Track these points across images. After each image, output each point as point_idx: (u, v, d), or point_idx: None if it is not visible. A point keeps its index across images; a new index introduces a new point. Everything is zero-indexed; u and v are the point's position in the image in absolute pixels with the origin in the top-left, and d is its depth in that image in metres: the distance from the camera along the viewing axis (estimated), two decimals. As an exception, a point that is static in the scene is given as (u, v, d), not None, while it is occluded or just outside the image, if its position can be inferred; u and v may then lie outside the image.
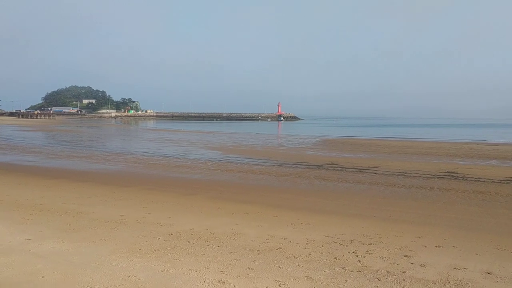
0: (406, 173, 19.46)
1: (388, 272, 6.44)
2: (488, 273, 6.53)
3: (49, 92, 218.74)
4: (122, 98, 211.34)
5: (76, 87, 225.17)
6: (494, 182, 16.97)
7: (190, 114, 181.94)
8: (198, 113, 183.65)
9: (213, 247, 7.65)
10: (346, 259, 7.06)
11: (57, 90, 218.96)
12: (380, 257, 7.21)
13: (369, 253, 7.44)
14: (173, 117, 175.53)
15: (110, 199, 12.63)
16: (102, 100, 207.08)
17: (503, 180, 17.42)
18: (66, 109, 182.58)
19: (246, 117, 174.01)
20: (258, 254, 7.26)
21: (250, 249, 7.52)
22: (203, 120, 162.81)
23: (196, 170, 20.64)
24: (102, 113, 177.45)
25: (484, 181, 17.11)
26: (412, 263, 6.93)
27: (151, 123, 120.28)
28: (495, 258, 7.37)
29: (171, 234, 8.53)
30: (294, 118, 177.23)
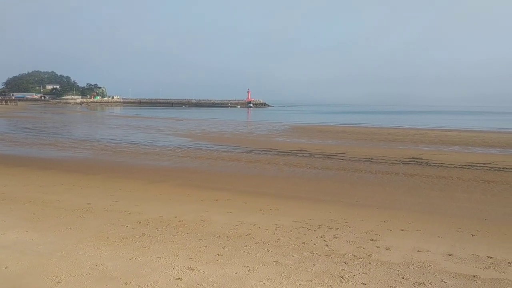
0: (372, 159, 19.88)
1: (354, 255, 6.60)
2: (449, 255, 6.80)
3: (10, 77, 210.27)
4: (87, 83, 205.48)
5: (39, 72, 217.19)
6: (456, 167, 17.56)
7: (158, 100, 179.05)
8: (166, 99, 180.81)
9: (182, 234, 7.63)
10: (314, 244, 7.19)
11: (18, 75, 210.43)
12: (347, 241, 7.38)
13: (337, 238, 7.60)
14: (141, 103, 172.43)
15: (76, 187, 12.36)
16: (66, 85, 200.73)
17: (464, 165, 18.05)
18: (28, 95, 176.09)
19: (216, 103, 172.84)
20: (228, 240, 7.30)
21: (219, 236, 7.55)
22: (172, 106, 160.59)
23: (165, 157, 20.43)
24: (67, 99, 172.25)
25: (446, 167, 17.68)
26: (377, 247, 7.12)
27: (118, 110, 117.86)
28: (456, 240, 7.67)
29: (140, 222, 8.45)
30: (263, 105, 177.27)
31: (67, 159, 19.61)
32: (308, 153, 22.04)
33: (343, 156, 20.81)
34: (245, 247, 6.89)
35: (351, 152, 22.65)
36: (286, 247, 6.98)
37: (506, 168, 17.29)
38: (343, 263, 6.23)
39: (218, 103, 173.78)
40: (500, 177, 15.27)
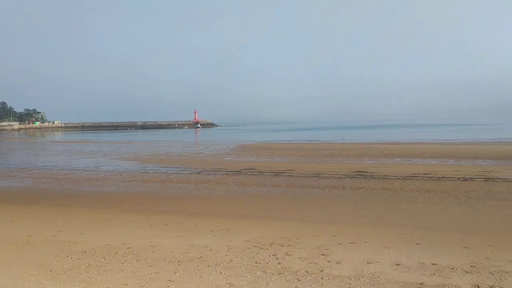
0: (320, 174, 20.29)
1: (307, 272, 6.65)
2: (397, 265, 7.01)
3: None
4: (25, 109, 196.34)
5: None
6: (399, 178, 18.29)
7: (101, 124, 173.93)
8: (110, 122, 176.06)
9: (131, 261, 7.37)
10: (267, 262, 7.18)
11: None
12: (299, 258, 7.42)
13: (289, 255, 7.63)
14: (84, 127, 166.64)
15: (15, 219, 11.65)
16: (2, 111, 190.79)
17: (407, 176, 18.84)
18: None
19: (162, 125, 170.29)
20: (179, 265, 7.12)
21: (170, 261, 7.35)
22: (116, 129, 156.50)
23: (111, 182, 19.78)
24: (3, 125, 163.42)
25: (390, 178, 18.37)
26: (329, 261, 7.22)
27: (59, 135, 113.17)
28: (403, 250, 7.93)
29: (85, 251, 8.07)
30: (211, 124, 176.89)
31: (5, 189, 18.50)
32: (257, 171, 22.15)
33: (291, 173, 21.09)
34: (197, 271, 6.75)
35: (299, 168, 23.01)
36: (239, 268, 6.91)
37: (445, 177, 18.21)
38: (296, 280, 6.25)
39: (165, 125, 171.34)
40: (439, 186, 16.05)
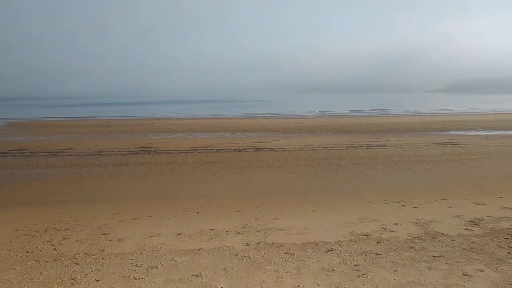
0: (102, 152, 19.43)
1: (86, 254, 6.34)
2: (178, 234, 7.32)
3: None
4: None
5: None
6: (182, 152, 18.97)
7: None
8: None
9: None
10: (40, 250, 6.56)
11: None
12: (78, 241, 7.02)
13: (66, 239, 7.13)
14: None
15: None
16: None
17: (188, 150, 19.68)
18: None
19: None
20: None
21: None
22: None
23: None
24: None
25: (173, 152, 18.88)
26: (110, 240, 7.04)
27: None
28: (184, 220, 8.31)
29: None
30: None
31: None
32: (30, 152, 19.81)
33: (70, 152, 19.58)
34: (-51, 272, 5.70)
35: (80, 146, 21.55)
36: (6, 261, 6.12)
37: (222, 149, 19.71)
38: (74, 264, 5.90)
39: None
40: (217, 158, 17.30)
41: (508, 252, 6.17)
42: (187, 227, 7.80)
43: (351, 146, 20.40)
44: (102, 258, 6.14)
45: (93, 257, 6.21)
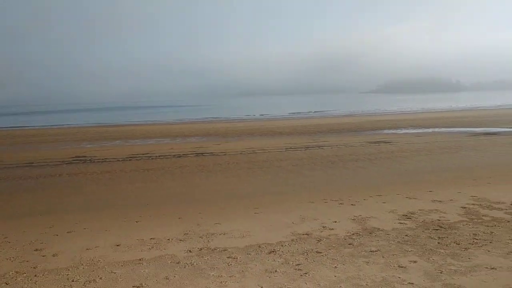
0: (33, 163, 18.39)
1: (17, 272, 5.95)
2: (117, 245, 7.07)
3: None
4: None
5: None
6: (119, 160, 18.39)
7: None
8: None
9: None
10: (-36, 272, 6.08)
11: None
12: (7, 259, 6.57)
13: (-6, 258, 6.66)
14: None
15: None
16: None
17: (126, 158, 19.12)
18: None
19: None
20: None
21: None
22: None
23: None
24: None
25: (110, 161, 18.26)
26: (43, 256, 6.66)
27: None
28: (122, 230, 8.04)
29: None
30: None
31: None
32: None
33: (-4, 165, 18.35)
34: None
35: (8, 158, 20.25)
36: None
37: (162, 156, 19.35)
38: (4, 284, 5.52)
39: None
40: (157, 164, 16.95)
41: (438, 243, 6.55)
42: (126, 237, 7.56)
43: (291, 148, 20.80)
44: (35, 276, 5.80)
45: (24, 275, 5.85)
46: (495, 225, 7.40)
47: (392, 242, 6.68)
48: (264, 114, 67.18)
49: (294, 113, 67.63)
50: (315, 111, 71.58)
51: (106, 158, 19.11)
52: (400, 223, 7.78)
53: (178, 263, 6.11)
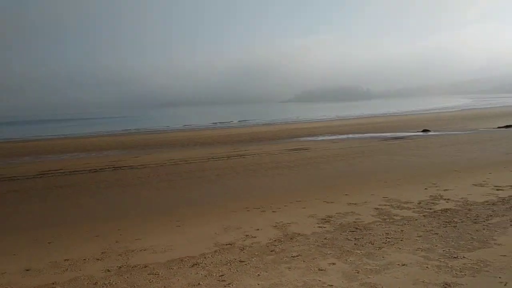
0: None
1: None
2: (27, 270, 6.56)
3: None
4: None
5: None
6: (28, 178, 17.13)
7: None
8: None
9: None
10: None
11: None
12: None
13: None
14: None
15: None
16: None
17: (37, 174, 17.87)
18: None
19: None
20: None
21: None
22: None
23: None
24: None
25: (18, 179, 16.96)
26: None
27: None
28: (33, 253, 7.48)
29: None
30: None
31: None
32: None
33: None
34: None
35: None
36: None
37: (77, 171, 18.34)
38: None
39: None
40: (71, 180, 16.03)
41: (354, 244, 6.87)
42: (37, 260, 7.03)
43: (212, 158, 20.75)
44: None
45: None
46: (405, 224, 7.94)
47: (312, 246, 6.89)
48: (187, 124, 66.56)
49: (216, 123, 67.78)
50: (237, 121, 72.32)
51: (13, 176, 17.71)
52: (319, 227, 8.06)
53: (95, 284, 5.80)
